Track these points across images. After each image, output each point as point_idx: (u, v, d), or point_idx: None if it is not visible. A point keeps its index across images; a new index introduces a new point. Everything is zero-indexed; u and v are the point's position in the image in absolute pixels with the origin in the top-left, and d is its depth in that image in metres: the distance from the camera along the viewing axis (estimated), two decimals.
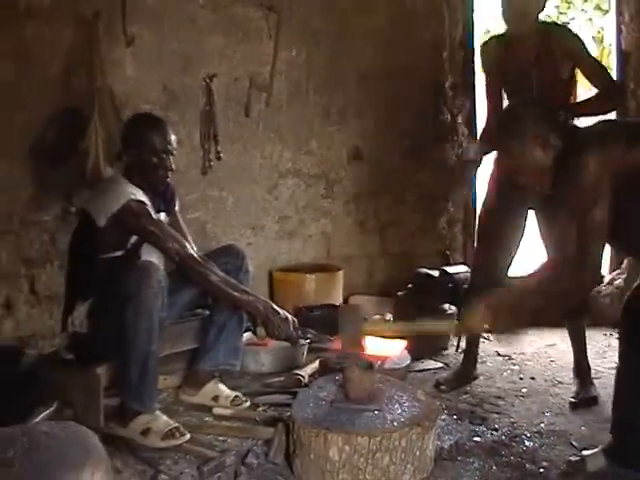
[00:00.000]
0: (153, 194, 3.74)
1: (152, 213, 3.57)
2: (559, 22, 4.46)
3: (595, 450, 3.15)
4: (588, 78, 4.04)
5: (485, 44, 4.37)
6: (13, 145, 4.34)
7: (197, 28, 5.09)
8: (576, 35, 4.09)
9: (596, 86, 4.01)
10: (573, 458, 3.21)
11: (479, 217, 4.50)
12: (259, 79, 5.41)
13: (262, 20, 5.39)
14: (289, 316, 3.61)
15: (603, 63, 4.44)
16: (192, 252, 3.61)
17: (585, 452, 3.20)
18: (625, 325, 3.09)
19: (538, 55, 4.01)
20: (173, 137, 3.74)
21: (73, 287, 3.70)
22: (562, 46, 3.98)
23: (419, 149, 5.94)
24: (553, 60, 3.99)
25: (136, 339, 3.33)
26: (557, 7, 11.27)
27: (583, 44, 4.03)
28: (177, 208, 4.02)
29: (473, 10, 6.00)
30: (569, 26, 4.26)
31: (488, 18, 8.12)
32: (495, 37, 4.36)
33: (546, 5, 4.17)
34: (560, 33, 4.09)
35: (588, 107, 4.00)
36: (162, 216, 3.83)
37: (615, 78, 4.05)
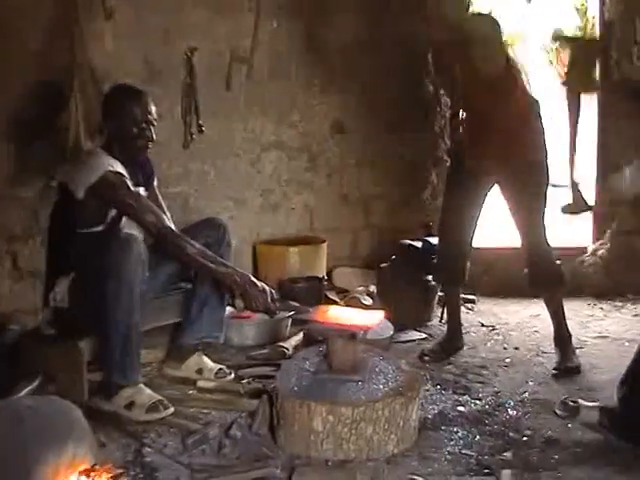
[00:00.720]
0: (132, 167, 3.72)
1: (130, 185, 3.55)
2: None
3: (592, 404, 3.18)
4: None
5: None
6: None
7: (177, 1, 5.05)
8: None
9: None
10: (569, 401, 3.24)
11: (444, 190, 4.56)
12: (240, 52, 5.36)
13: None
14: (267, 288, 3.57)
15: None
16: (169, 225, 3.59)
17: (582, 401, 3.23)
18: None
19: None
20: (153, 107, 3.72)
21: (54, 262, 3.69)
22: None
23: (402, 121, 5.92)
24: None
25: (117, 312, 3.32)
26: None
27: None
28: (155, 183, 3.99)
29: None
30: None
31: None
32: None
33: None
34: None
35: None
36: (141, 190, 3.81)
37: None
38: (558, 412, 3.34)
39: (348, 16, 5.74)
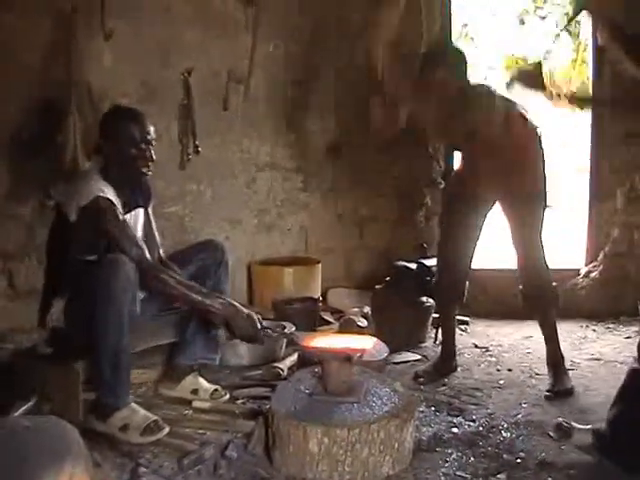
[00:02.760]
0: (132, 188, 3.73)
1: (118, 214, 3.52)
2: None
3: (585, 426, 3.19)
4: None
5: None
6: None
7: (175, 22, 5.09)
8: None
9: None
10: (563, 424, 3.25)
11: (441, 214, 4.58)
12: (237, 73, 5.42)
13: (240, 13, 5.40)
14: (254, 315, 3.55)
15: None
16: (149, 258, 3.56)
17: (575, 424, 3.24)
18: None
19: None
20: (151, 128, 3.70)
21: (50, 283, 3.69)
22: None
23: (396, 143, 5.95)
24: None
25: (106, 334, 3.31)
26: (534, 1, 11.36)
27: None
28: (151, 207, 3.98)
29: (450, 4, 6.01)
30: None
31: (465, 12, 8.19)
32: None
33: None
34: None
35: None
36: (140, 212, 3.83)
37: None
38: (551, 435, 3.35)
39: (344, 40, 5.77)
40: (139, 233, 3.79)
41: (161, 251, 3.86)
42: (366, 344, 3.54)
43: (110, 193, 3.54)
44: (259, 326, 3.55)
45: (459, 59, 4.12)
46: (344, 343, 3.45)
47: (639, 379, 3.03)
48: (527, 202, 4.05)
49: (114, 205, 3.52)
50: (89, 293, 3.32)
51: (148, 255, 3.56)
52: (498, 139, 4.00)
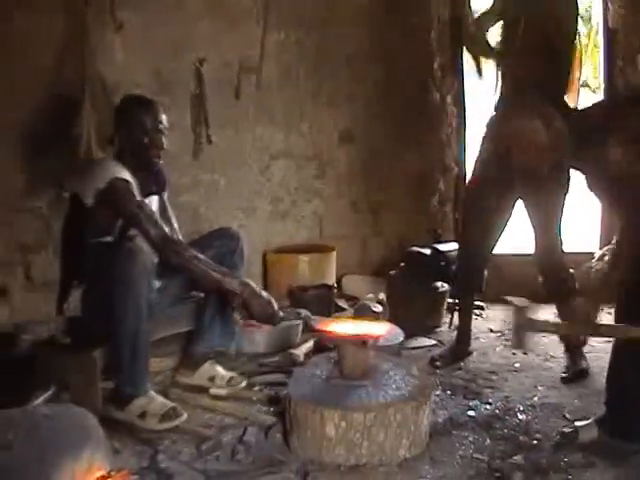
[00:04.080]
0: (146, 176, 3.76)
1: (136, 193, 3.57)
2: None
3: (588, 421, 3.19)
4: None
5: None
6: (5, 133, 4.37)
7: (186, 13, 5.10)
8: None
9: None
10: (566, 429, 3.25)
11: (465, 197, 4.55)
12: (249, 62, 5.43)
13: (251, 3, 5.40)
14: (271, 298, 3.55)
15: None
16: (170, 236, 3.59)
17: (578, 423, 3.24)
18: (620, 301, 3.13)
19: None
20: (164, 116, 3.73)
21: (67, 272, 3.72)
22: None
23: (409, 130, 5.96)
24: None
25: (125, 320, 3.33)
26: None
27: None
28: (166, 194, 4.02)
29: None
30: None
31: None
32: None
33: None
34: None
35: None
36: (154, 198, 3.87)
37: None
38: (559, 442, 3.30)
39: (355, 27, 5.79)
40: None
41: (180, 236, 3.87)
42: (381, 329, 3.56)
43: (126, 174, 3.58)
44: (275, 307, 3.56)
45: None
46: (360, 328, 3.47)
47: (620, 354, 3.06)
48: (548, 181, 4.02)
49: (131, 184, 3.55)
50: (107, 281, 3.34)
51: (168, 231, 3.58)
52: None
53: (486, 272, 4.41)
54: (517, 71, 4.12)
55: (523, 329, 3.09)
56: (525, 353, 4.44)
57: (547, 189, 4.02)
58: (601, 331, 3.28)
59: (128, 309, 3.33)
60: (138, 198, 3.56)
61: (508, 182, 4.11)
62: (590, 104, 3.30)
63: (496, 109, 4.26)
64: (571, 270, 4.18)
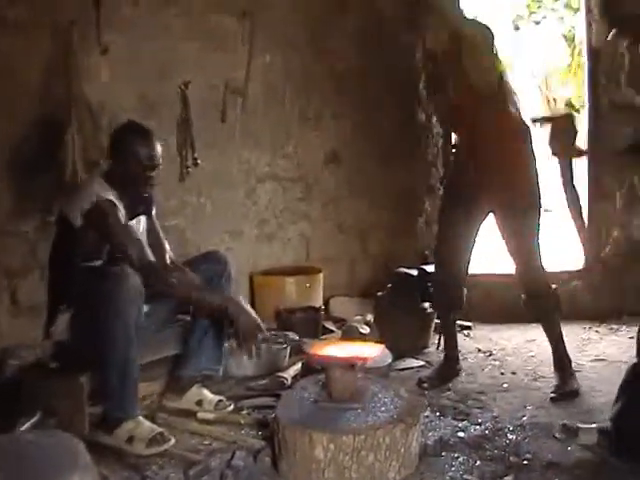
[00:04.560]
0: (134, 197, 3.75)
1: (119, 215, 3.57)
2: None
3: (590, 425, 3.20)
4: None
5: None
6: None
7: (171, 35, 5.10)
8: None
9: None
10: (569, 424, 3.25)
11: (437, 219, 4.58)
12: (234, 85, 5.44)
13: (236, 26, 5.42)
14: (257, 318, 3.64)
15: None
16: (152, 260, 3.61)
17: (580, 424, 3.24)
18: None
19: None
20: (159, 150, 3.71)
21: (54, 296, 3.70)
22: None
23: (395, 150, 5.98)
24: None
25: (114, 346, 3.33)
26: (528, 6, 11.39)
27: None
28: (154, 212, 4.01)
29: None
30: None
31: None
32: None
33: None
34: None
35: None
36: (142, 219, 3.86)
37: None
38: (557, 435, 3.35)
39: (341, 49, 5.81)
40: (142, 240, 3.82)
41: (171, 254, 3.88)
42: (369, 351, 3.55)
43: (112, 196, 3.58)
44: (259, 321, 3.62)
45: None
46: (348, 350, 3.46)
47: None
48: (519, 197, 4.05)
49: (116, 207, 3.55)
50: (95, 306, 3.34)
51: (151, 256, 3.58)
52: (490, 123, 4.01)
53: (465, 290, 4.41)
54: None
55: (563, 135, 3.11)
56: (513, 373, 4.45)
57: (518, 208, 4.06)
58: None
59: (117, 335, 3.32)
60: (123, 221, 3.56)
61: (476, 200, 4.14)
62: None
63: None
64: (553, 286, 4.19)
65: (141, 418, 3.47)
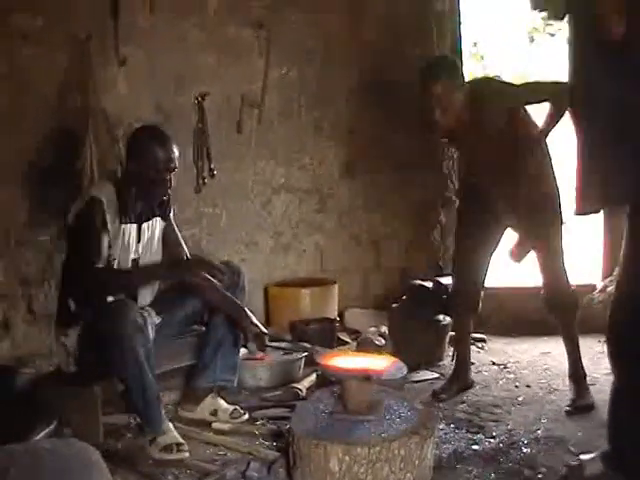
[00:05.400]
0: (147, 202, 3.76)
1: (106, 217, 3.53)
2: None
3: (593, 455, 3.17)
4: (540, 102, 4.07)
5: None
6: (9, 166, 4.40)
7: (188, 47, 5.15)
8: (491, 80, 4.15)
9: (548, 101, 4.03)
10: (572, 462, 3.23)
11: (455, 232, 4.57)
12: (251, 96, 5.48)
13: (253, 38, 5.47)
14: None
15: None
16: (96, 265, 3.53)
17: (583, 456, 3.22)
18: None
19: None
20: (176, 153, 3.69)
21: (64, 307, 3.69)
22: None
23: (410, 163, 5.98)
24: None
25: (128, 376, 3.37)
26: (543, 19, 11.37)
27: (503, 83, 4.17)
28: (172, 215, 3.99)
29: (460, 23, 6.05)
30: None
31: (475, 31, 8.22)
32: None
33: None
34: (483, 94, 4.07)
35: (550, 124, 4.04)
36: (157, 221, 3.87)
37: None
38: (566, 476, 3.29)
39: (356, 62, 5.84)
40: (155, 242, 3.84)
41: (188, 255, 3.91)
42: (384, 363, 3.54)
43: (108, 196, 3.57)
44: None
45: (457, 67, 4.19)
46: (363, 363, 3.46)
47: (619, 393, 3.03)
48: (538, 209, 4.05)
49: (102, 205, 3.52)
50: (100, 336, 3.36)
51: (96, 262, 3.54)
52: (505, 149, 4.01)
53: (481, 298, 4.40)
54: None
55: None
56: (528, 386, 4.44)
57: (540, 220, 4.05)
58: None
59: (127, 364, 3.35)
60: (97, 224, 3.52)
61: (492, 212, 4.15)
62: None
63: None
64: (572, 289, 4.20)
65: (170, 426, 3.49)
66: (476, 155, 4.18)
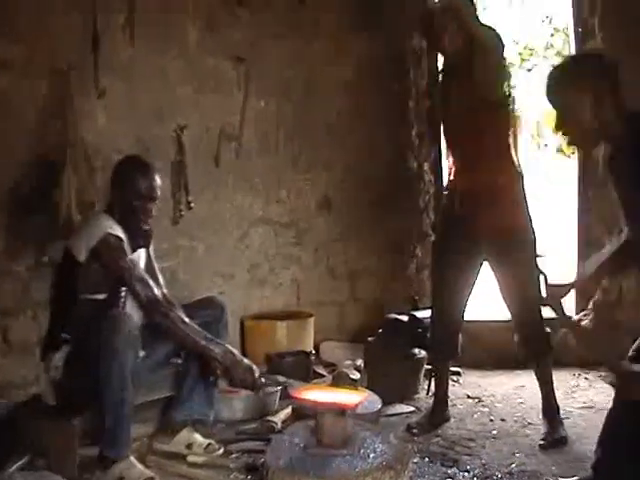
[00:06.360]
0: (134, 230, 3.81)
1: (127, 251, 3.65)
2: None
3: (572, 479, 3.20)
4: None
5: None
6: None
7: (168, 80, 5.18)
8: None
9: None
10: None
11: (431, 265, 4.60)
12: (229, 129, 5.51)
13: (232, 71, 5.50)
14: (252, 365, 3.69)
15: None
16: (159, 296, 3.66)
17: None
18: None
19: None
20: (158, 183, 3.82)
21: (53, 329, 3.71)
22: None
23: (387, 197, 6.03)
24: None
25: (110, 387, 3.36)
26: (520, 54, 11.52)
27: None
28: (151, 248, 4.06)
29: (437, 60, 6.11)
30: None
31: None
32: None
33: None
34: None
35: None
36: (142, 252, 3.92)
37: None
38: None
39: (334, 97, 5.88)
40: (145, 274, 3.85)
41: (165, 290, 3.90)
42: (359, 397, 3.55)
43: (118, 230, 3.67)
44: (257, 374, 3.65)
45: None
46: (337, 396, 3.46)
47: (617, 421, 3.04)
48: (516, 241, 4.09)
49: (123, 242, 3.61)
50: (92, 347, 3.37)
51: (157, 292, 3.65)
52: (489, 138, 4.10)
53: (461, 337, 4.43)
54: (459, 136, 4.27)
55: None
56: (502, 420, 4.46)
57: (514, 249, 4.09)
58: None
59: (113, 377, 3.36)
60: (129, 256, 3.61)
61: (472, 242, 4.18)
62: None
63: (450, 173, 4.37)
64: (547, 330, 4.22)
65: (133, 460, 3.47)
66: (462, 134, 4.24)
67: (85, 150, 4.59)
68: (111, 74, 4.79)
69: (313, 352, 5.52)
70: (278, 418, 4.31)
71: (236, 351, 3.68)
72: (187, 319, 3.64)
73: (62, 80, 4.53)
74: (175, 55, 5.23)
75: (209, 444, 3.92)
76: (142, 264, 3.92)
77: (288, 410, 4.41)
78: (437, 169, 6.11)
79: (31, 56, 4.47)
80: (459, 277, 4.29)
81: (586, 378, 5.40)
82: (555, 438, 4.05)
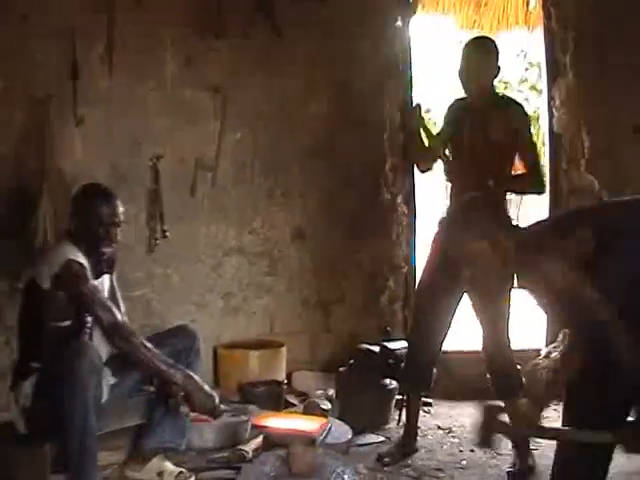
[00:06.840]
0: (96, 256, 3.81)
1: (89, 277, 3.64)
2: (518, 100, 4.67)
3: None
4: (522, 160, 4.25)
5: (451, 104, 4.62)
6: None
7: (145, 110, 5.23)
8: (528, 116, 4.33)
9: (526, 169, 4.22)
10: None
11: (416, 295, 4.63)
12: (205, 160, 5.54)
13: (209, 102, 5.54)
14: (213, 392, 3.70)
15: (539, 147, 4.66)
16: (120, 321, 3.63)
17: None
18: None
19: (486, 124, 4.25)
20: (121, 209, 3.83)
21: (23, 356, 3.72)
22: (511, 125, 4.22)
23: (360, 228, 6.07)
24: (498, 134, 4.20)
25: (72, 416, 3.35)
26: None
27: (530, 128, 4.33)
28: (114, 276, 4.06)
29: (412, 94, 6.18)
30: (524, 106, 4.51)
31: (427, 100, 8.38)
32: (460, 99, 4.56)
33: (499, 71, 4.43)
34: (515, 112, 4.32)
35: (516, 184, 4.23)
36: (106, 278, 3.93)
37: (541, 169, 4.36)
38: None
39: (310, 128, 5.94)
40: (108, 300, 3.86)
41: (125, 318, 3.90)
42: (328, 427, 3.58)
43: (80, 257, 3.66)
44: (217, 401, 3.65)
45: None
46: (304, 425, 3.49)
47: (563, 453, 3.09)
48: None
49: (85, 269, 3.61)
50: (54, 377, 3.37)
51: (119, 317, 3.63)
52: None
53: (435, 370, 4.47)
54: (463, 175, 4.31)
55: (490, 428, 3.11)
56: (472, 451, 4.49)
57: (493, 287, 4.12)
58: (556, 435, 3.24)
59: (76, 406, 3.35)
60: (91, 282, 3.62)
61: (455, 281, 4.21)
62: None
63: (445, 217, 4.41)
64: (518, 366, 4.26)
65: None
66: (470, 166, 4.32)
67: (62, 177, 4.62)
68: (89, 104, 4.84)
69: (285, 381, 5.54)
70: (249, 447, 4.30)
71: (197, 377, 3.67)
72: (149, 344, 3.63)
73: (40, 109, 4.58)
74: (152, 86, 5.29)
75: (180, 472, 3.92)
76: (106, 290, 3.93)
77: (259, 439, 4.42)
78: (411, 201, 6.18)
79: (10, 85, 4.51)
80: (442, 314, 4.34)
81: (555, 409, 5.42)
82: (523, 467, 4.09)
